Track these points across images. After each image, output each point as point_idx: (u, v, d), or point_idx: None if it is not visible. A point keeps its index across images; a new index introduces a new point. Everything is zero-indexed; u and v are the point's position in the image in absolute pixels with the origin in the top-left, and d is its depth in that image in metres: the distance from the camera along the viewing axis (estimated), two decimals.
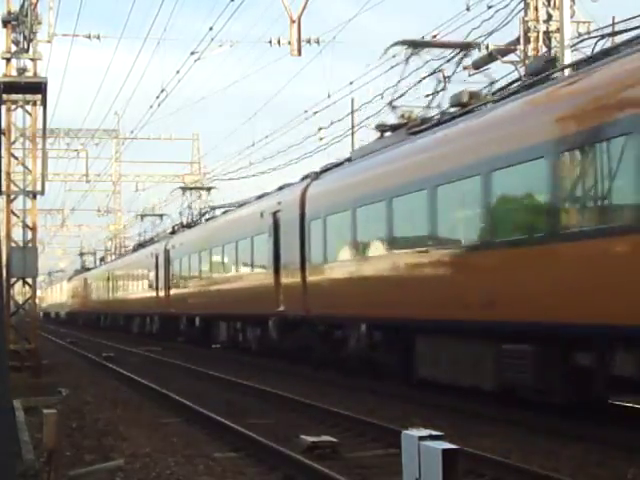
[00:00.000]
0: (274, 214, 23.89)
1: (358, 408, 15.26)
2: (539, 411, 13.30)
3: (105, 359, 29.51)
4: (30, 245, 24.24)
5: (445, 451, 7.28)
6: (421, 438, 7.56)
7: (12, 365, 18.20)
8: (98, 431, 13.87)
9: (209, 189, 45.64)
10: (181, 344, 37.22)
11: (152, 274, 41.40)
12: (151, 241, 48.38)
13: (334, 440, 11.80)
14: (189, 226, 39.83)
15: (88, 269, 75.14)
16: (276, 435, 12.97)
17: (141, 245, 51.41)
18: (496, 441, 11.97)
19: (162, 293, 39.08)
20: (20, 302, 24.98)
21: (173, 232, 42.18)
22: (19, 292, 25.64)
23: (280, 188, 25.40)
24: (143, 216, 57.17)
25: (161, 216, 54.87)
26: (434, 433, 7.69)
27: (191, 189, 46.20)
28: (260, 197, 27.26)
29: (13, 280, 23.83)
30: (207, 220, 36.63)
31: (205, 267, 32.31)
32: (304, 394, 17.29)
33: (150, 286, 42.15)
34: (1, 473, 6.65)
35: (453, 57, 18.62)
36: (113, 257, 69.74)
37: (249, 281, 26.81)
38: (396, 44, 18.81)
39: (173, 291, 37.45)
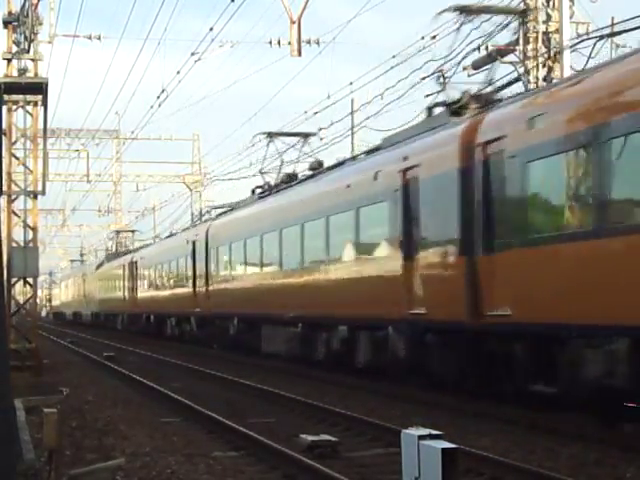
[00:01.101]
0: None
1: (358, 407, 15.30)
2: (538, 410, 13.33)
3: (106, 358, 29.55)
4: (31, 245, 24.28)
5: (444, 450, 7.32)
6: (421, 437, 7.61)
7: (13, 365, 18.20)
8: (99, 430, 13.91)
9: None
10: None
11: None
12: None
13: (334, 439, 11.82)
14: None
15: (136, 248, 54.49)
16: (276, 434, 13.01)
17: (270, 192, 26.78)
18: (495, 440, 12.02)
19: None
20: (21, 302, 25.05)
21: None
22: (20, 292, 25.71)
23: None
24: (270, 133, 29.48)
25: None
26: (433, 432, 7.74)
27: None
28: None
29: (14, 280, 23.89)
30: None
31: None
32: (304, 393, 17.32)
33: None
34: (2, 472, 6.68)
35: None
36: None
37: None
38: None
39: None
